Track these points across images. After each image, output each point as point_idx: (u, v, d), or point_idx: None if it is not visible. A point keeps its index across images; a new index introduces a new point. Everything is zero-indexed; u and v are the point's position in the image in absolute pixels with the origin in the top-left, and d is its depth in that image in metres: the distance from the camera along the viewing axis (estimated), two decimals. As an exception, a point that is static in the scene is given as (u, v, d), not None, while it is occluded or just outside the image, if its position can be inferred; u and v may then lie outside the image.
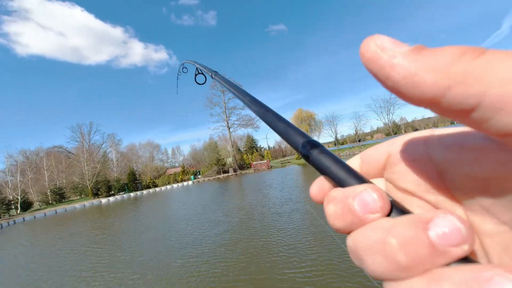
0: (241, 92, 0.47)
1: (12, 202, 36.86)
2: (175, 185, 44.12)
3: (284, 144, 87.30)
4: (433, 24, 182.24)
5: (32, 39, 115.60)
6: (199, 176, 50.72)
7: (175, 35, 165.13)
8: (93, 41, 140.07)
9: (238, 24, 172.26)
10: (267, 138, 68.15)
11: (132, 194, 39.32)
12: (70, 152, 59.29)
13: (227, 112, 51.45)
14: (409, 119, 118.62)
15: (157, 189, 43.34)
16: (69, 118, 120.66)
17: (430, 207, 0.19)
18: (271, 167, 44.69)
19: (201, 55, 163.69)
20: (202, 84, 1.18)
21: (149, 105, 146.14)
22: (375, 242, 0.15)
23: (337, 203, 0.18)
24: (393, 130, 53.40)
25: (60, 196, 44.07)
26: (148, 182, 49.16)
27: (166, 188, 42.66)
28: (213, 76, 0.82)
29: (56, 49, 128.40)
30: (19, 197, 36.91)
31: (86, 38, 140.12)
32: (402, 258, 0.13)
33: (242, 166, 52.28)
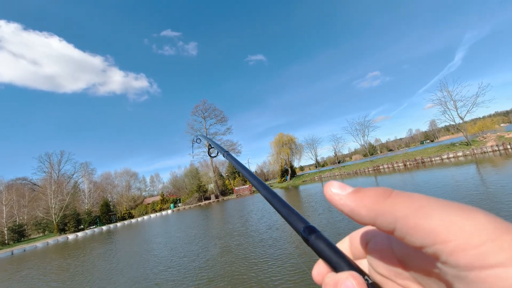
0: (251, 175, 0.50)
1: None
2: (153, 215, 41.47)
3: (266, 168, 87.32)
4: (398, 57, 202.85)
5: (2, 67, 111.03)
6: (179, 204, 48.35)
7: (157, 64, 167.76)
8: (70, 70, 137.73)
9: (218, 54, 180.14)
10: (249, 163, 67.90)
11: (104, 228, 36.15)
12: (35, 184, 54.55)
13: (208, 137, 51.16)
14: (383, 140, 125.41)
15: (133, 220, 40.37)
16: (38, 148, 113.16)
17: None
18: (253, 192, 43.92)
19: (183, 83, 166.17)
20: (215, 156, 1.27)
21: (127, 133, 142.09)
22: None
23: None
24: (370, 151, 55.84)
25: (19, 235, 39.35)
26: (124, 213, 45.82)
27: (143, 218, 39.91)
28: (225, 155, 0.86)
29: (29, 77, 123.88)
30: (-32, 238, 32.38)
31: (62, 67, 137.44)
32: None
33: (224, 191, 50.92)
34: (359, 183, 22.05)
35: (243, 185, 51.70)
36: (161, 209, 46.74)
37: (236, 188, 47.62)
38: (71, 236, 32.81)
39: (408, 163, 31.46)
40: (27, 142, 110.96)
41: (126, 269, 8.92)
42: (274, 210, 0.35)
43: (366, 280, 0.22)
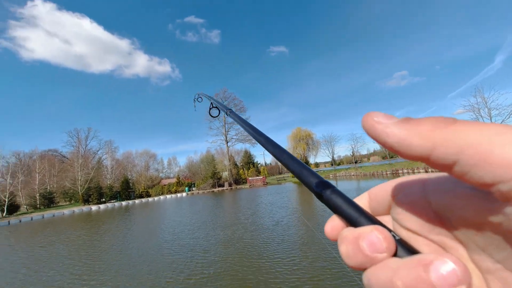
0: (257, 131, 0.47)
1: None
2: (168, 196, 43.38)
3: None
4: (430, 57, 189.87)
5: (37, 44, 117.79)
6: (193, 188, 50.05)
7: (180, 50, 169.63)
8: (99, 51, 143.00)
9: (241, 43, 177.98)
10: (264, 155, 68.17)
11: (123, 203, 38.48)
12: (64, 157, 58.69)
13: (226, 126, 51.92)
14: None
15: (150, 199, 42.54)
16: (67, 123, 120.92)
17: (435, 246, 0.20)
18: (267, 184, 44.35)
19: (204, 71, 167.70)
20: (216, 117, 1.23)
21: (148, 115, 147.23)
22: (384, 282, 0.17)
23: (348, 243, 0.20)
24: (389, 153, 53.86)
25: (49, 201, 42.99)
26: (141, 192, 48.33)
27: (160, 198, 41.92)
28: (228, 113, 0.80)
29: (61, 56, 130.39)
30: (6, 200, 35.92)
31: (92, 47, 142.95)
32: None
33: (238, 181, 51.85)
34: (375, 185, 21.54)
35: (257, 175, 52.32)
36: (176, 191, 48.70)
37: (250, 178, 48.29)
38: (94, 207, 35.34)
39: (430, 170, 30.16)
40: (58, 116, 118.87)
41: (126, 247, 9.48)
42: (287, 170, 0.33)
43: (392, 236, 0.20)
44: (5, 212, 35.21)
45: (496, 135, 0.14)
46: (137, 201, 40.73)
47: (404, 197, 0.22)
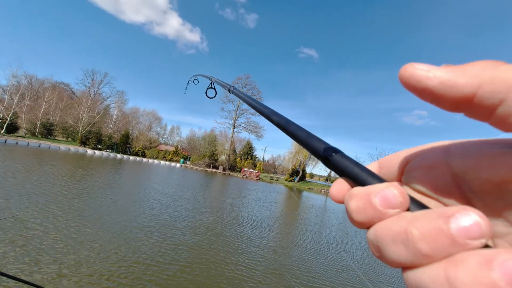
0: (261, 105, 0.48)
1: (0, 120, 36.15)
2: (162, 162, 43.64)
3: (278, 162, 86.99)
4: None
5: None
6: (188, 162, 50.29)
7: (214, 24, 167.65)
8: (137, 0, 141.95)
9: (274, 34, 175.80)
10: (265, 151, 68.07)
11: (119, 155, 38.75)
12: (74, 93, 58.78)
13: (238, 112, 51.71)
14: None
15: (144, 159, 42.80)
16: (85, 61, 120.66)
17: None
18: (259, 179, 44.49)
19: (231, 52, 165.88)
20: (212, 98, 1.23)
21: (165, 78, 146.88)
22: (397, 233, 0.16)
23: (359, 199, 0.20)
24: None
25: (47, 132, 43.34)
26: (138, 150, 48.59)
27: (154, 162, 42.17)
28: (231, 90, 0.79)
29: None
30: (8, 118, 36.20)
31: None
32: (423, 247, 0.15)
33: (233, 167, 52.00)
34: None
35: (252, 169, 52.48)
36: (171, 160, 48.95)
37: (245, 169, 48.43)
38: (89, 151, 35.60)
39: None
40: (79, 52, 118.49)
41: (103, 194, 9.62)
42: (290, 138, 0.33)
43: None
44: (3, 129, 35.55)
45: None
46: (131, 157, 41.01)
47: (422, 161, 0.21)
